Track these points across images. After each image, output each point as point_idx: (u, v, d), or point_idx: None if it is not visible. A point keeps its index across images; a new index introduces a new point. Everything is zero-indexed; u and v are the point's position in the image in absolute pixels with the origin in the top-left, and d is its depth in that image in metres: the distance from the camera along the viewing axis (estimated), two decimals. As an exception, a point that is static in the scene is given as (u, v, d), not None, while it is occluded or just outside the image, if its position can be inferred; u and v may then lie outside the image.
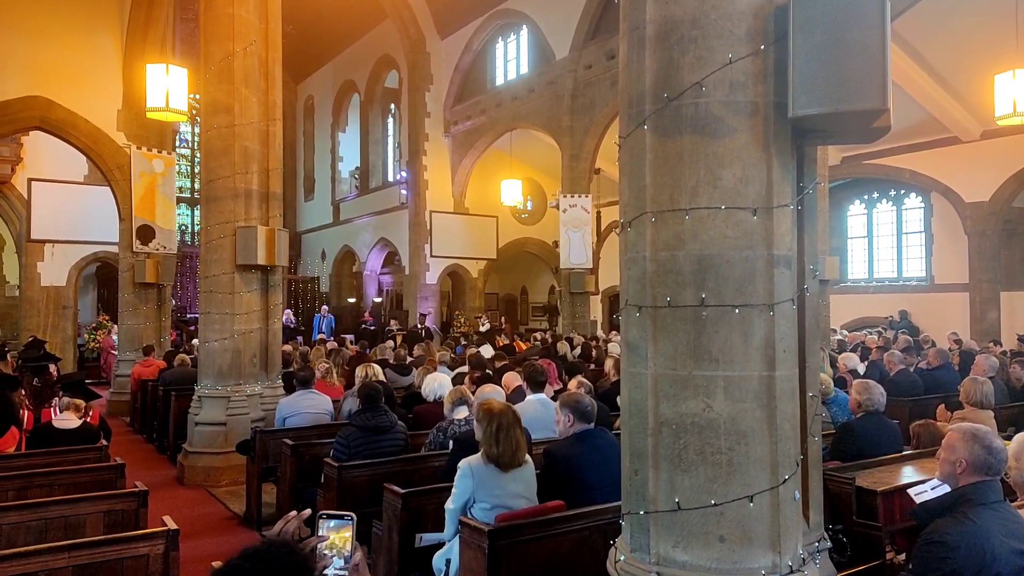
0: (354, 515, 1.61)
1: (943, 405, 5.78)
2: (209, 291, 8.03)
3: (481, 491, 3.58)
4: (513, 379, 7.00)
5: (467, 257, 21.81)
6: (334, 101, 26.37)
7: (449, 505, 3.63)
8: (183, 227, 25.59)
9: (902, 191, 17.94)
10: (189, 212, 26.35)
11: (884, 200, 18.49)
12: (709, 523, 2.43)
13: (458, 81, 21.08)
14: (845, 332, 14.45)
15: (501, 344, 16.20)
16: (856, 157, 17.30)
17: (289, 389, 7.71)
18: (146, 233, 12.29)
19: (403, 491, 3.96)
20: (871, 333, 14.40)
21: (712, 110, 2.57)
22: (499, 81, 20.30)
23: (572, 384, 6.26)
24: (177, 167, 15.80)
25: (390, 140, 24.72)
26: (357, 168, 25.49)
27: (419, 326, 18.84)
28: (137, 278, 12.42)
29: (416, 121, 20.91)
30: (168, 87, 10.33)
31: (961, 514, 2.75)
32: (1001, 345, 12.16)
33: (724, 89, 2.56)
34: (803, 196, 2.84)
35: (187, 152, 26.60)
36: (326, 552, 1.55)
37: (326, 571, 1.53)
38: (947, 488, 3.00)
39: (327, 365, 7.92)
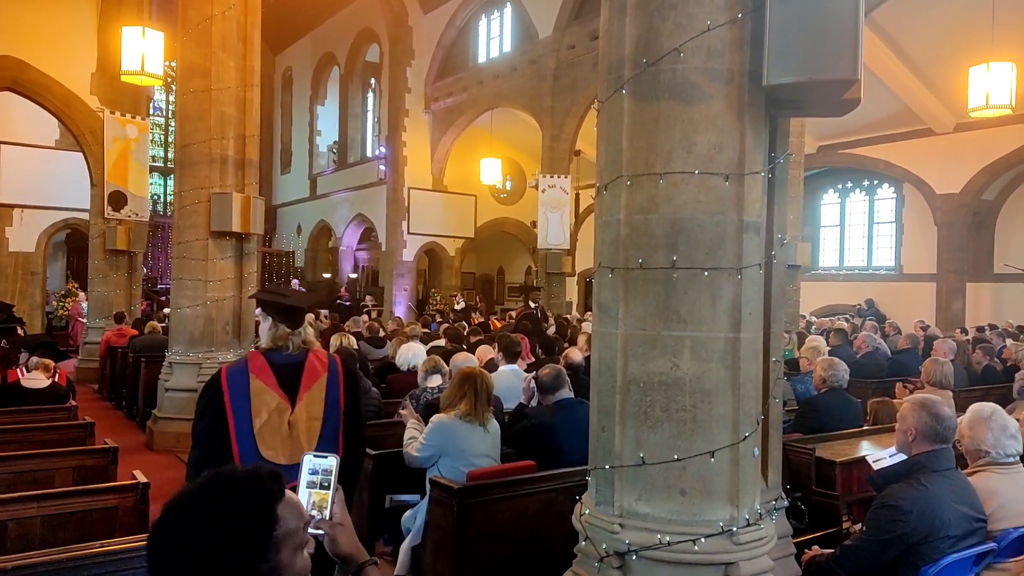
0: (336, 456, 1.59)
1: (900, 383, 5.95)
2: (182, 257, 7.96)
3: (450, 446, 3.64)
4: (486, 352, 7.07)
5: (445, 235, 21.76)
6: (313, 73, 26.03)
7: (416, 454, 3.69)
8: (155, 196, 25.20)
9: (875, 181, 18.23)
10: (162, 181, 25.93)
11: (857, 190, 18.78)
12: (672, 477, 2.51)
13: (440, 57, 20.91)
14: (814, 318, 14.72)
15: (476, 323, 16.28)
16: (832, 147, 17.53)
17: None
18: (118, 199, 12.09)
19: (374, 453, 4.01)
20: (839, 319, 14.67)
21: (689, 76, 2.62)
22: (481, 59, 20.17)
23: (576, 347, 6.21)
24: (151, 135, 15.53)
25: (369, 115, 24.49)
26: (335, 142, 25.25)
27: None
28: (108, 245, 12.23)
29: (396, 96, 20.73)
30: (144, 51, 10.13)
31: (915, 480, 2.87)
32: (967, 334, 12.46)
33: (702, 56, 2.61)
34: (774, 166, 2.90)
35: (161, 120, 26.12)
36: (313, 509, 1.54)
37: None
38: (904, 457, 3.12)
39: (301, 334, 7.90)
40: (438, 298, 21.62)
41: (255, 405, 2.72)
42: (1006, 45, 10.99)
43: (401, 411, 4.14)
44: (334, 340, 7.07)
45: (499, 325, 15.25)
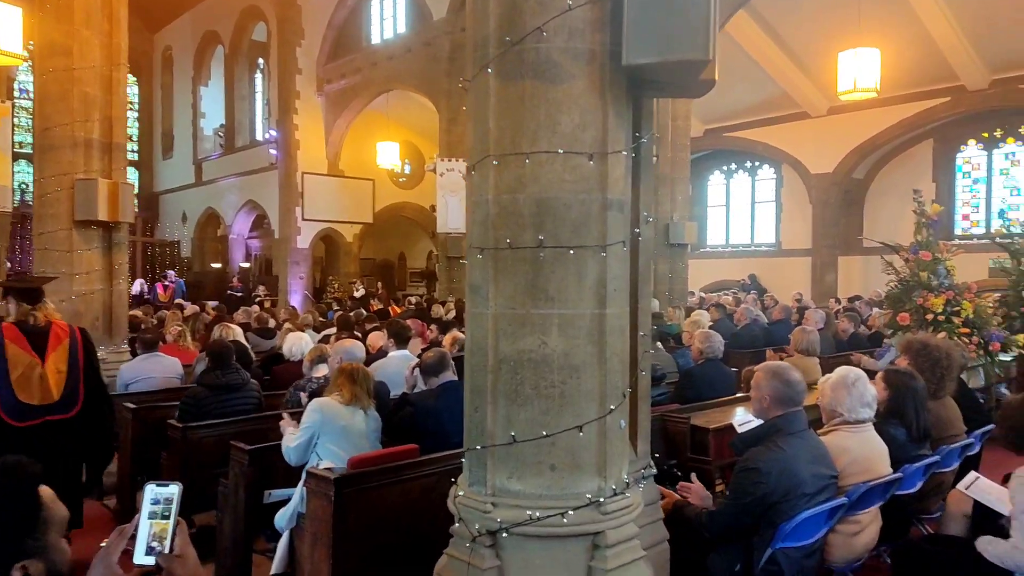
0: (179, 484, 1.54)
1: (770, 350, 6.30)
2: (44, 249, 7.43)
3: (329, 426, 3.58)
4: (378, 339, 6.96)
5: (341, 221, 21.24)
6: (195, 53, 24.71)
7: (295, 442, 3.60)
8: (23, 185, 23.30)
9: (757, 162, 19.16)
10: (30, 169, 23.99)
11: (740, 171, 19.69)
12: (542, 453, 2.54)
13: (331, 37, 20.28)
14: (702, 294, 15.37)
15: (375, 309, 16.01)
16: (717, 130, 18.27)
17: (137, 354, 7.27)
18: (-26, 188, 11.10)
19: (249, 447, 3.87)
20: (727, 294, 15.40)
21: (552, 56, 2.62)
22: (375, 39, 19.72)
23: (447, 339, 6.41)
24: (16, 119, 14.27)
25: (258, 97, 23.53)
26: (222, 126, 24.10)
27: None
28: (-36, 237, 11.22)
29: (286, 77, 19.98)
30: (-3, 26, 9.28)
31: (772, 443, 3.04)
32: (840, 303, 13.34)
33: (564, 35, 2.61)
34: (639, 146, 2.97)
35: (28, 104, 24.12)
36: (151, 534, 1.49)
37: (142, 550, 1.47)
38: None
39: (180, 328, 7.53)
40: (336, 286, 21.13)
41: (12, 363, 3.79)
42: (872, 31, 11.73)
43: (280, 423, 4.01)
44: (216, 332, 6.80)
45: (399, 311, 15.07)
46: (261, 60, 23.03)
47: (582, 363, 2.59)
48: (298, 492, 3.51)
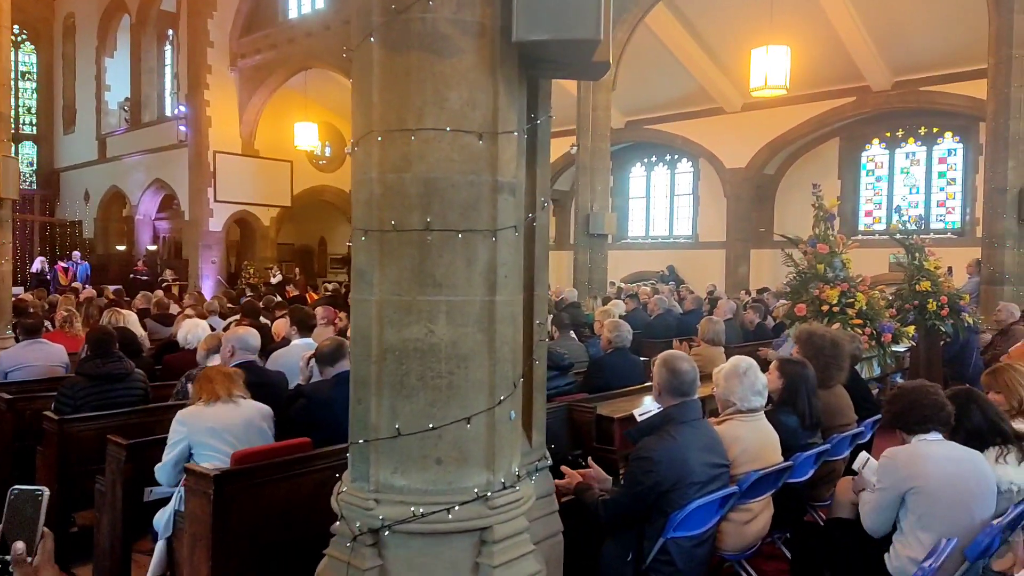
0: (45, 489, 1.38)
1: (678, 340, 6.39)
2: (-87, 226, 6.80)
3: (197, 435, 3.35)
4: (283, 327, 6.69)
5: (257, 204, 20.47)
6: (100, 21, 23.26)
7: (167, 457, 3.37)
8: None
9: (675, 156, 19.50)
10: (-91, 139, 22.14)
11: (660, 164, 20.01)
12: (427, 446, 2.42)
13: (245, 10, 19.45)
14: (622, 284, 15.58)
15: (291, 295, 15.53)
16: (638, 122, 18.49)
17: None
18: None
19: (127, 442, 3.60)
20: (645, 285, 15.65)
21: (440, 27, 2.48)
22: (292, 14, 19.02)
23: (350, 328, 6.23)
24: None
25: (167, 70, 22.37)
26: (127, 99, 22.81)
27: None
28: None
29: (197, 51, 19.05)
30: None
31: (665, 432, 3.02)
32: (750, 295, 13.75)
33: (452, 6, 2.48)
34: (536, 127, 2.88)
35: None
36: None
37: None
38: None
39: (66, 313, 7.03)
40: (251, 271, 20.38)
41: None
42: (783, 29, 12.04)
43: None
44: (105, 317, 6.40)
45: (315, 298, 14.64)
46: (171, 31, 21.88)
47: (471, 352, 2.48)
48: (176, 492, 3.28)
